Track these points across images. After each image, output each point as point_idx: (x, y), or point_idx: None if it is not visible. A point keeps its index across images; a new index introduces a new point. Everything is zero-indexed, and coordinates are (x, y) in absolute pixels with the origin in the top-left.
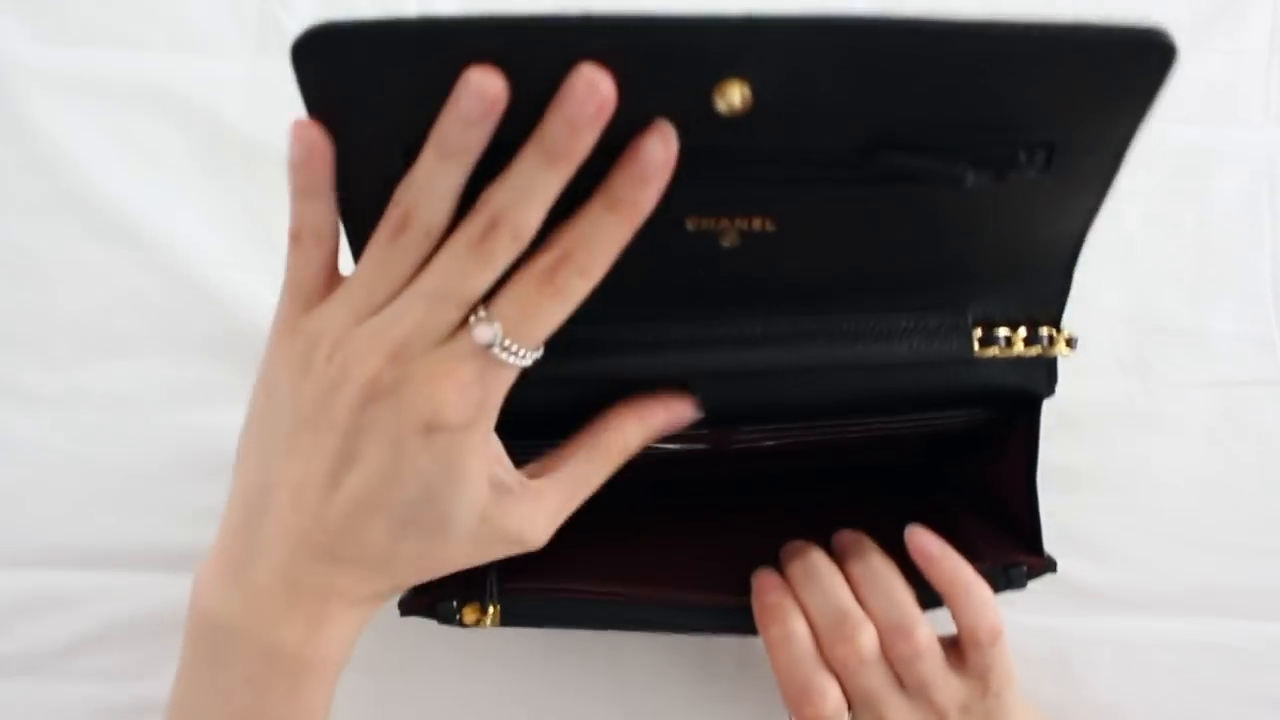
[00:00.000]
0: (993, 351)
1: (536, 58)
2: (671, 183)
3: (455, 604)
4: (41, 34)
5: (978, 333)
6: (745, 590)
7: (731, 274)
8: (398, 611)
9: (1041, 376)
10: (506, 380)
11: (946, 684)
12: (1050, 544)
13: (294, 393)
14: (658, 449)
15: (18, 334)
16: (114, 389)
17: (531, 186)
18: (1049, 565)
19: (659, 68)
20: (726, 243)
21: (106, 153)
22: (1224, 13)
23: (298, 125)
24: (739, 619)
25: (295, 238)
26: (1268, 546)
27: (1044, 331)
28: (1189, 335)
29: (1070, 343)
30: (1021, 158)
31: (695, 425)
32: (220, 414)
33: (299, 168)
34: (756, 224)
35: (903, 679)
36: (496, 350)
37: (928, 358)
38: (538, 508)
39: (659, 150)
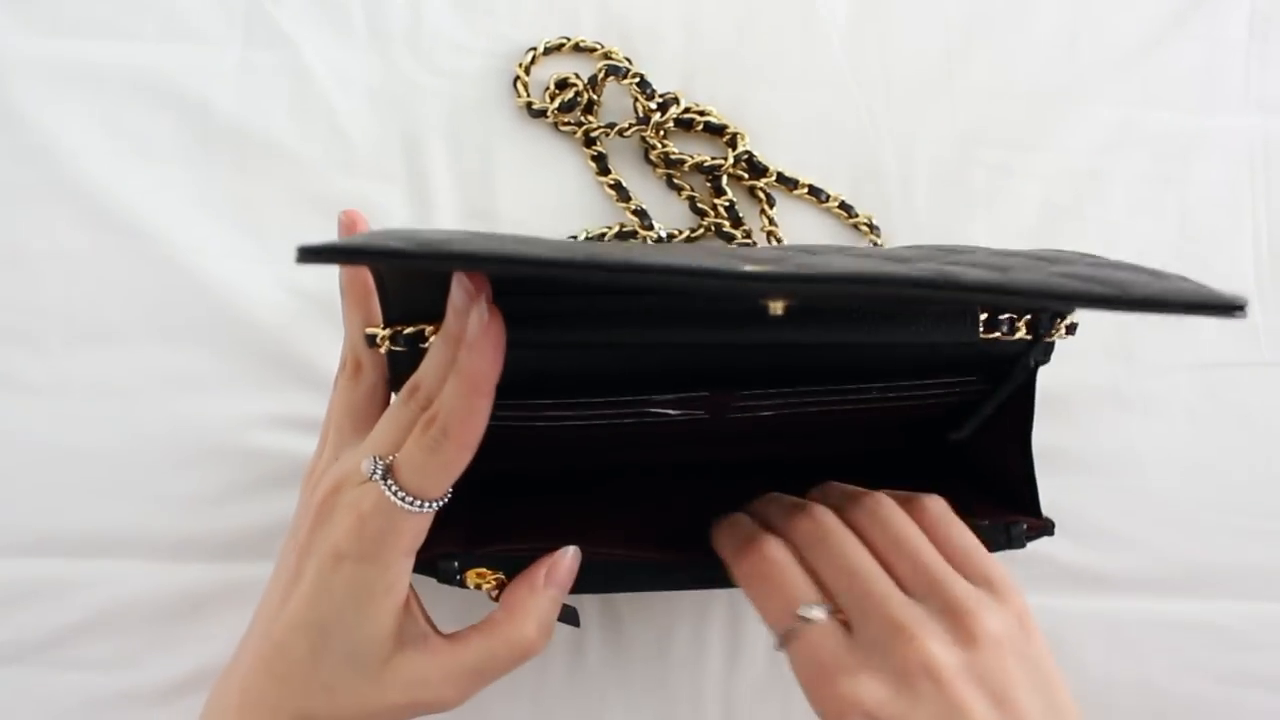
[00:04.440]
0: (996, 336)
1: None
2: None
3: (456, 564)
4: (32, 24)
5: (983, 317)
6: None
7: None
8: None
9: (1039, 349)
10: (407, 526)
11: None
12: None
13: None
14: (657, 414)
15: (7, 322)
16: (103, 377)
17: (435, 360)
18: (1048, 527)
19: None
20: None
21: (97, 142)
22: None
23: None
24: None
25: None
26: (1252, 526)
27: (1046, 318)
28: (1172, 318)
29: (1071, 329)
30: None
31: (695, 388)
32: (209, 402)
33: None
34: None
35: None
36: (389, 494)
37: (933, 340)
38: (439, 664)
39: (474, 321)
